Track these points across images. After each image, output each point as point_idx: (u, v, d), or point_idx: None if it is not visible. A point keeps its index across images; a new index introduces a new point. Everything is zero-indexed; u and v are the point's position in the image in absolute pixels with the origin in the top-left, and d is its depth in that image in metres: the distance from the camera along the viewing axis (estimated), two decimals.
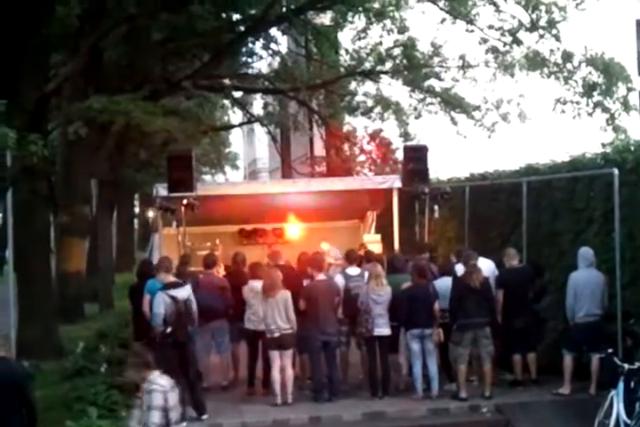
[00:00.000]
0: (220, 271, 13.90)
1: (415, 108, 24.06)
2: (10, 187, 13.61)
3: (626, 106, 19.95)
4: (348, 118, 25.88)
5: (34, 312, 15.75)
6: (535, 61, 20.78)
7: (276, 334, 11.69)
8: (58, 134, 20.27)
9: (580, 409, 10.43)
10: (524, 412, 11.08)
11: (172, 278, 11.36)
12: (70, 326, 18.57)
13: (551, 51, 20.55)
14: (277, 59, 25.99)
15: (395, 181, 15.73)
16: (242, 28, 21.85)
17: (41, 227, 16.51)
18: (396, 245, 15.38)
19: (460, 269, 12.19)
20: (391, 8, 22.14)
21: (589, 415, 9.54)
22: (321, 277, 12.23)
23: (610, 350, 9.71)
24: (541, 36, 20.30)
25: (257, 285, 12.26)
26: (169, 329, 10.88)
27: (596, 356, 10.67)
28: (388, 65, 23.46)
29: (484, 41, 21.38)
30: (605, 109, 20.02)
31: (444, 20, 21.84)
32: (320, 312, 11.87)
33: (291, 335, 11.74)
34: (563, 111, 20.70)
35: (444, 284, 12.02)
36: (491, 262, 12.47)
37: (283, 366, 11.73)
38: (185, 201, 14.50)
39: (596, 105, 20.11)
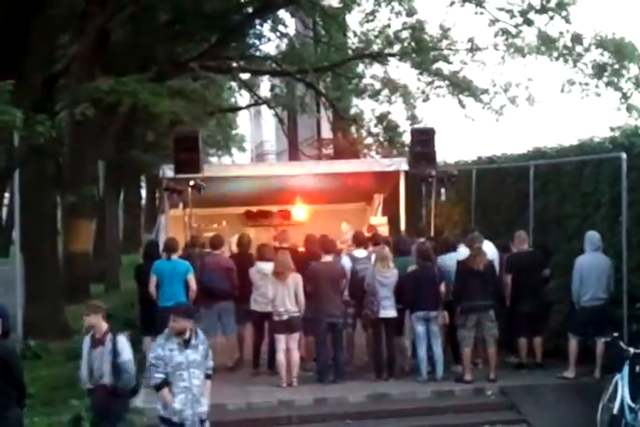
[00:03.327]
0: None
1: (423, 91, 24.00)
2: (17, 167, 13.65)
3: (638, 85, 19.88)
4: (355, 101, 25.82)
5: (41, 292, 15.81)
6: (545, 44, 20.69)
7: (285, 317, 11.69)
8: (65, 115, 20.27)
9: (584, 393, 10.44)
10: (529, 395, 11.10)
11: None
12: (77, 306, 18.61)
13: (560, 33, 20.47)
14: (285, 41, 25.90)
15: (402, 164, 15.70)
16: (250, 10, 21.78)
17: (48, 207, 16.55)
18: (403, 228, 15.38)
19: (463, 250, 12.19)
20: None
21: (594, 399, 9.56)
22: (327, 258, 12.23)
23: (615, 334, 9.71)
24: (551, 18, 20.21)
25: (264, 266, 12.28)
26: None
27: (601, 340, 10.66)
28: (397, 48, 23.37)
29: (493, 22, 21.28)
30: (618, 88, 19.93)
31: (452, 3, 21.76)
32: (323, 294, 11.86)
33: (298, 318, 11.76)
34: (569, 91, 20.63)
35: (452, 261, 12.02)
36: (493, 247, 12.46)
37: (289, 348, 11.75)
38: (191, 182, 14.49)
39: (608, 84, 20.03)
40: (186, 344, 8.30)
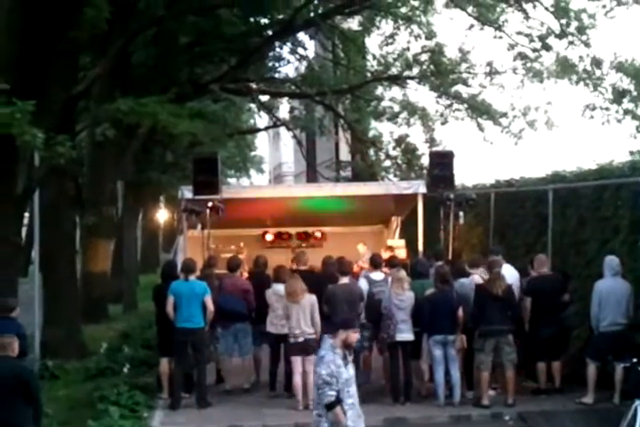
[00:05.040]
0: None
1: (442, 114, 24.01)
2: (37, 187, 13.72)
3: None
4: (373, 123, 25.87)
5: (58, 312, 15.83)
6: (564, 68, 20.69)
7: (300, 339, 11.66)
8: (86, 136, 20.40)
9: (603, 419, 10.36)
10: (547, 420, 11.01)
11: None
12: (94, 326, 18.66)
13: (580, 57, 20.46)
14: (304, 63, 26.03)
15: (420, 187, 15.73)
16: (269, 33, 21.91)
17: (67, 227, 16.61)
18: (420, 251, 15.36)
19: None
20: (418, 13, 22.16)
21: (613, 425, 9.47)
22: (344, 280, 12.20)
23: (634, 360, 9.63)
24: (571, 43, 20.21)
25: (280, 288, 12.28)
26: None
27: (620, 365, 10.58)
28: (416, 70, 23.45)
29: (512, 47, 21.32)
30: (635, 117, 19.89)
31: (472, 26, 21.82)
32: (340, 316, 11.83)
33: (314, 340, 11.71)
34: (592, 117, 20.56)
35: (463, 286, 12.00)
36: (514, 270, 12.41)
37: (305, 371, 11.71)
38: (210, 204, 14.56)
39: (626, 112, 19.98)
40: (346, 359, 7.89)
